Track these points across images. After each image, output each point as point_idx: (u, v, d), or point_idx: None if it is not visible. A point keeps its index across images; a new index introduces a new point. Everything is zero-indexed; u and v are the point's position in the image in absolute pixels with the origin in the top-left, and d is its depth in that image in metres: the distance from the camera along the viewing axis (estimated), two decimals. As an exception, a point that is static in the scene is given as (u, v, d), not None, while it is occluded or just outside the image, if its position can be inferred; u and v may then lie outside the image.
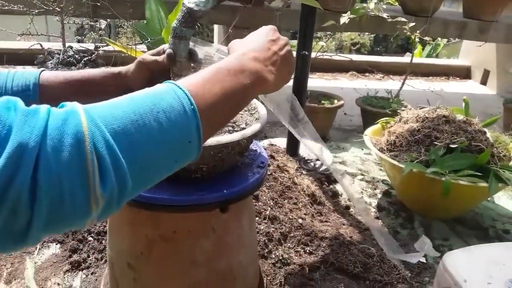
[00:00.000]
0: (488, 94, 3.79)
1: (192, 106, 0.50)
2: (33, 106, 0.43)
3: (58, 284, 1.29)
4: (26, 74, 0.79)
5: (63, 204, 0.40)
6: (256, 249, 1.27)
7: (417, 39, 2.62)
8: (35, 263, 1.37)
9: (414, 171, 1.52)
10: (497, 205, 1.92)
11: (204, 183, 0.91)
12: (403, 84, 2.76)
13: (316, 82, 3.74)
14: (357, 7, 2.55)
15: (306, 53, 1.83)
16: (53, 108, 0.44)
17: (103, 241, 1.43)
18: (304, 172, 1.92)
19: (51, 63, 2.10)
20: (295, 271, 1.36)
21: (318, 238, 1.48)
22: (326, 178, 1.96)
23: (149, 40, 2.14)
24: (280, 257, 1.38)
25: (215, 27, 3.69)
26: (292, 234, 1.48)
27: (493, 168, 1.52)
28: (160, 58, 0.87)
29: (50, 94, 0.80)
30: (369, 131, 1.89)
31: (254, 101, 1.00)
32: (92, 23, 2.74)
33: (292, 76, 0.72)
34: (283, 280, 1.32)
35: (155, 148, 0.48)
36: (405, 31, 2.51)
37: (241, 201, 0.94)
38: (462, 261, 1.02)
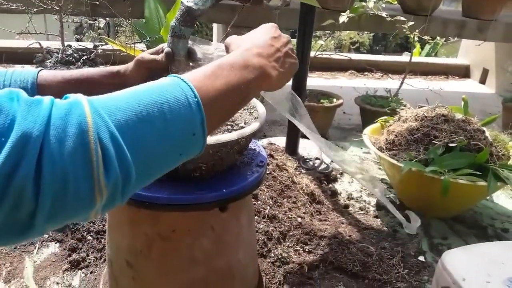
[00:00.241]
0: (487, 93, 3.79)
1: (196, 99, 0.50)
2: (37, 97, 0.42)
3: (57, 283, 1.29)
4: (24, 73, 0.79)
5: (67, 194, 0.40)
6: (255, 248, 1.27)
7: (416, 38, 2.62)
8: (34, 262, 1.37)
9: (413, 170, 1.52)
10: (496, 204, 1.92)
11: (203, 182, 0.91)
12: (402, 83, 2.76)
13: (315, 81, 3.75)
14: (356, 6, 2.55)
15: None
16: (57, 99, 0.44)
17: (102, 240, 1.43)
18: (303, 171, 1.92)
19: (50, 62, 2.10)
20: (294, 270, 1.36)
21: (317, 237, 1.49)
22: (325, 177, 1.96)
23: (148, 39, 2.14)
24: (279, 256, 1.38)
25: (214, 26, 3.69)
26: (291, 233, 1.48)
27: (492, 167, 1.52)
28: (158, 57, 0.87)
29: (48, 94, 0.79)
30: (368, 130, 1.89)
31: (253, 99, 1.00)
32: (91, 22, 2.73)
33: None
34: (282, 279, 1.32)
35: (159, 140, 0.47)
36: (404, 30, 2.51)
37: (240, 200, 0.94)
38: (461, 260, 1.03)
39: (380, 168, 2.16)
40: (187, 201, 0.87)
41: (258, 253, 1.37)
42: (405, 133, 1.68)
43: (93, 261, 1.37)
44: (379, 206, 1.83)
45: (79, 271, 1.34)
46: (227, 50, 0.72)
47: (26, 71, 0.80)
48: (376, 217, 1.75)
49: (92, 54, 2.10)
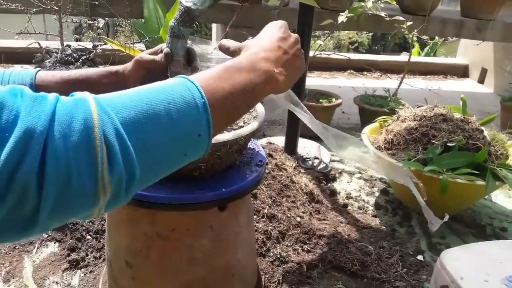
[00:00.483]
0: (485, 93, 3.80)
1: (203, 100, 0.50)
2: (41, 93, 0.42)
3: (57, 282, 1.29)
4: (22, 74, 0.79)
5: (70, 190, 0.40)
6: (254, 247, 1.28)
7: (414, 38, 2.63)
8: (34, 261, 1.37)
9: (411, 169, 1.53)
10: (494, 203, 1.93)
11: (203, 181, 0.91)
12: (401, 82, 2.76)
13: (314, 80, 3.75)
14: (355, 6, 2.56)
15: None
16: (62, 96, 0.44)
17: (101, 240, 1.44)
18: (302, 170, 1.92)
19: (49, 61, 2.10)
20: (293, 269, 1.36)
21: (316, 236, 1.49)
22: (324, 177, 1.96)
23: (147, 38, 2.14)
24: (278, 255, 1.39)
25: (213, 25, 3.69)
26: (290, 232, 1.48)
27: (490, 166, 1.52)
28: (157, 57, 0.87)
29: None
30: (367, 129, 1.89)
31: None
32: (90, 21, 2.74)
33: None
34: (281, 278, 1.32)
35: (164, 138, 0.47)
36: (402, 30, 2.51)
37: (239, 199, 0.94)
38: (459, 259, 1.03)
39: (379, 168, 2.17)
40: (186, 201, 0.88)
41: (257, 252, 1.38)
42: (403, 133, 1.69)
43: (93, 260, 1.37)
44: (378, 206, 1.83)
45: (79, 270, 1.34)
46: (233, 53, 0.71)
47: (24, 72, 0.80)
48: (374, 216, 1.75)
49: (91, 54, 2.11)
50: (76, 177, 0.40)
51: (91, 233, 1.46)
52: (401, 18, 2.49)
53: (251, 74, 0.59)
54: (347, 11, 2.46)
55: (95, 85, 0.87)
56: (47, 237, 1.46)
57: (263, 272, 1.33)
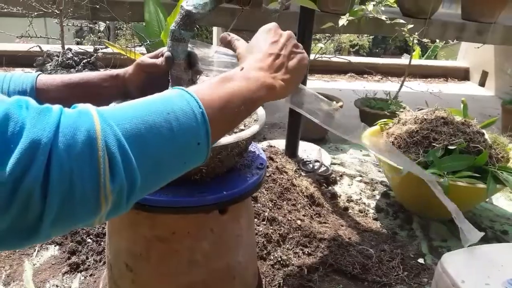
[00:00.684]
0: (486, 96, 3.80)
1: (201, 110, 0.52)
2: (46, 105, 0.43)
3: (57, 286, 1.29)
4: (23, 77, 0.79)
5: (73, 199, 0.41)
6: (255, 250, 1.28)
7: (415, 41, 2.63)
8: (34, 265, 1.37)
9: (412, 172, 1.52)
10: (495, 206, 1.93)
11: (203, 184, 0.91)
12: (401, 85, 2.77)
13: (314, 83, 3.75)
14: (355, 9, 2.56)
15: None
16: (66, 108, 0.45)
17: (102, 243, 1.44)
18: (303, 173, 1.92)
19: (50, 65, 2.10)
20: (294, 272, 1.36)
21: (316, 240, 1.49)
22: (324, 180, 1.96)
23: (148, 42, 2.15)
24: (279, 259, 1.39)
25: (214, 29, 3.70)
26: (291, 236, 1.48)
27: (491, 169, 1.52)
28: (158, 60, 0.87)
29: (47, 98, 0.80)
30: (367, 132, 1.90)
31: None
32: (91, 25, 2.75)
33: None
34: (281, 281, 1.32)
35: (164, 148, 0.49)
36: (403, 33, 2.51)
37: (240, 202, 0.94)
38: (460, 262, 1.03)
39: (379, 171, 2.17)
40: (187, 204, 0.88)
41: (258, 255, 1.37)
42: (404, 136, 1.69)
43: (93, 264, 1.37)
44: (379, 209, 1.83)
45: (79, 274, 1.34)
46: (239, 61, 0.72)
47: (25, 75, 0.80)
48: (375, 219, 1.75)
49: (92, 57, 2.11)
50: (79, 187, 0.41)
51: (91, 236, 1.46)
52: (402, 21, 2.50)
53: (246, 83, 0.61)
54: (347, 14, 2.46)
55: (96, 89, 0.87)
56: (47, 240, 1.46)
57: (263, 275, 1.33)
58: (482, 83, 4.04)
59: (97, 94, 0.88)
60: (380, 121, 1.96)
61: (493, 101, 3.55)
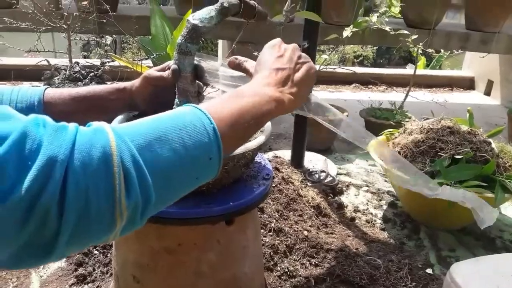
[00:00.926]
0: (492, 105, 3.79)
1: (212, 125, 0.53)
2: (62, 123, 0.44)
3: (65, 298, 1.29)
4: (30, 91, 0.80)
5: (89, 216, 0.42)
6: (262, 261, 1.27)
7: (420, 51, 2.64)
8: (41, 277, 1.38)
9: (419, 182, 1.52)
10: (504, 215, 1.91)
11: (210, 195, 0.91)
12: (406, 95, 2.77)
13: (319, 94, 3.76)
14: (359, 21, 2.58)
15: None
16: (81, 126, 0.46)
17: (108, 254, 1.44)
18: (309, 184, 1.92)
19: (58, 78, 2.13)
20: (301, 283, 1.35)
21: (323, 250, 1.48)
22: (331, 190, 1.96)
23: (154, 55, 2.17)
24: (286, 270, 1.38)
25: (219, 41, 3.73)
26: (297, 246, 1.48)
27: (499, 178, 1.51)
28: (165, 73, 0.88)
29: (55, 111, 0.81)
30: (373, 142, 1.89)
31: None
32: (98, 39, 2.78)
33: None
34: (289, 292, 1.31)
35: (177, 164, 0.49)
36: (408, 43, 2.52)
37: (246, 213, 0.94)
38: (469, 272, 1.02)
39: (386, 181, 2.16)
40: (194, 215, 0.88)
41: (265, 266, 1.37)
42: (410, 146, 1.68)
43: (100, 275, 1.37)
44: (386, 219, 1.82)
45: (85, 285, 1.34)
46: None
47: (32, 89, 0.81)
48: (383, 229, 1.74)
49: (99, 70, 2.14)
50: (95, 203, 0.42)
51: (98, 248, 1.46)
52: (406, 31, 2.51)
53: (255, 99, 0.62)
54: (351, 25, 2.48)
55: (103, 102, 0.89)
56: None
57: (270, 286, 1.32)
58: (487, 92, 4.03)
59: (104, 107, 0.89)
60: (386, 131, 1.96)
61: (499, 110, 3.53)
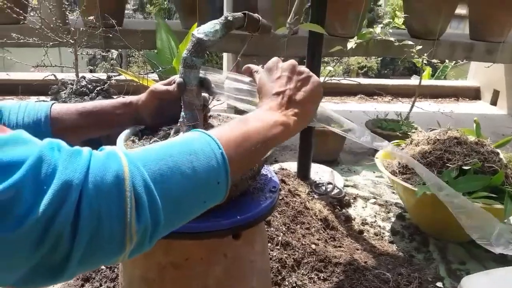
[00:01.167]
0: (498, 114, 3.76)
1: (220, 150, 0.55)
2: (76, 147, 0.46)
3: (71, 314, 1.28)
4: (37, 107, 0.81)
5: (100, 239, 0.42)
6: (269, 276, 1.26)
7: (424, 62, 2.63)
8: (48, 292, 1.37)
9: (427, 193, 1.50)
10: (514, 227, 1.88)
11: (216, 209, 0.90)
12: (412, 106, 2.76)
13: (325, 106, 3.75)
14: (363, 32, 2.59)
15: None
16: (94, 151, 0.47)
17: (115, 270, 1.43)
18: (315, 196, 1.90)
19: (65, 93, 2.14)
20: (309, 298, 1.33)
21: (332, 264, 1.46)
22: (338, 202, 1.94)
23: (160, 69, 2.19)
24: (294, 284, 1.36)
25: (224, 54, 3.75)
26: (305, 260, 1.46)
27: (508, 189, 1.49)
28: (171, 87, 0.89)
29: (62, 126, 0.82)
30: (380, 154, 1.88)
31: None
32: (104, 53, 2.81)
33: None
34: (297, 307, 1.29)
35: (186, 187, 0.51)
36: (412, 54, 2.52)
37: (254, 227, 0.93)
38: (480, 285, 1.00)
39: (393, 192, 2.14)
40: (200, 229, 0.87)
41: (272, 281, 1.35)
42: (417, 157, 1.67)
43: (106, 291, 1.36)
44: (394, 231, 1.80)
45: (92, 301, 1.33)
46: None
47: (39, 105, 0.82)
48: (391, 242, 1.72)
49: (106, 84, 2.15)
50: (107, 226, 0.43)
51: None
52: (410, 42, 2.51)
53: (261, 124, 0.63)
54: (356, 37, 2.48)
55: (109, 116, 0.89)
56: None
57: (278, 301, 1.31)
58: (493, 102, 4.01)
59: (111, 121, 0.89)
60: (393, 142, 1.95)
61: (506, 120, 3.51)
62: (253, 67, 0.81)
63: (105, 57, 2.92)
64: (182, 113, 0.89)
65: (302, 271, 1.43)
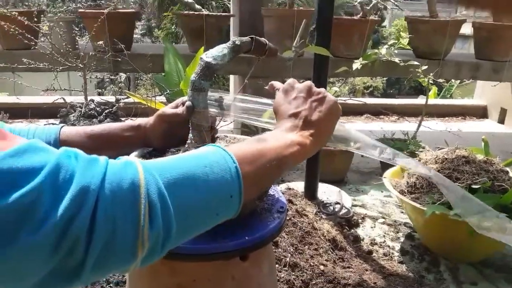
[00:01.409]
0: (507, 133, 3.74)
1: (235, 164, 0.56)
2: (93, 155, 0.47)
3: (78, 338, 1.27)
4: (46, 130, 0.82)
5: (114, 244, 0.43)
6: (278, 298, 1.24)
7: (430, 81, 2.64)
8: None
9: (436, 213, 1.49)
10: (526, 246, 1.85)
11: (224, 230, 0.90)
12: (419, 125, 2.76)
13: (344, 124, 3.76)
14: (369, 53, 2.61)
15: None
16: (111, 159, 0.48)
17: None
18: (323, 216, 1.89)
19: (73, 116, 2.18)
20: (319, 320, 1.31)
21: (341, 285, 1.44)
22: (346, 222, 1.93)
23: (168, 91, 2.22)
24: (303, 306, 1.34)
25: (231, 76, 3.80)
26: (314, 282, 1.44)
27: (518, 208, 1.48)
28: (179, 110, 0.90)
29: None
30: (388, 173, 1.88)
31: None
32: (112, 76, 2.86)
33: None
34: (306, 330, 1.27)
35: (200, 198, 0.52)
36: (418, 74, 2.54)
37: (261, 248, 0.93)
38: (493, 307, 0.98)
39: (402, 212, 2.12)
40: (208, 251, 0.87)
41: (281, 303, 1.34)
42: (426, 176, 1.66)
43: (114, 314, 1.35)
44: (404, 251, 1.78)
45: (100, 325, 1.32)
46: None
47: (48, 128, 0.83)
48: (401, 262, 1.70)
49: (114, 107, 2.18)
50: (121, 231, 0.44)
51: (111, 285, 1.45)
52: (415, 62, 2.53)
53: (277, 143, 0.64)
54: (361, 58, 2.51)
55: (118, 138, 0.90)
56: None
57: (287, 324, 1.29)
58: (501, 120, 3.99)
59: (119, 143, 0.91)
60: (400, 156, 1.94)
61: (515, 138, 3.49)
62: (276, 84, 0.82)
63: (113, 80, 2.97)
64: (190, 135, 0.90)
65: (311, 293, 1.41)
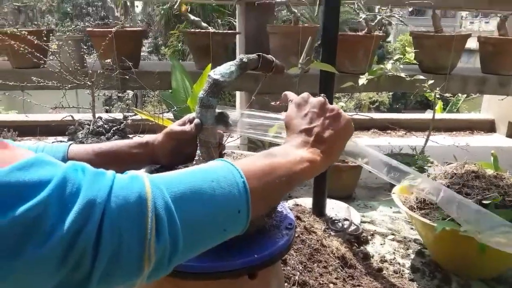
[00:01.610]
0: (515, 147, 3.71)
1: (243, 179, 0.55)
2: (100, 169, 0.47)
3: None
4: (54, 148, 0.83)
5: (120, 258, 0.43)
6: (287, 317, 1.22)
7: (437, 96, 2.64)
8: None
9: (447, 229, 1.47)
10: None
11: (231, 248, 0.89)
12: (427, 140, 2.74)
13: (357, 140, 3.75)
14: (374, 69, 2.62)
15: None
16: (118, 174, 0.49)
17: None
18: (332, 233, 1.87)
19: (81, 133, 2.19)
20: None
21: (351, 304, 1.42)
22: (355, 239, 1.90)
23: (175, 108, 2.23)
24: (312, 325, 1.32)
25: (237, 92, 3.82)
26: (323, 300, 1.42)
27: (531, 223, 1.45)
28: (187, 127, 0.90)
29: None
30: (397, 188, 1.86)
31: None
32: (120, 94, 2.88)
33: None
34: None
35: (207, 213, 0.51)
36: (424, 88, 2.53)
37: (270, 266, 0.92)
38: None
39: (412, 228, 2.09)
40: (216, 269, 0.86)
41: (290, 322, 1.31)
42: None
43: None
44: (414, 268, 1.75)
45: None
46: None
47: (56, 146, 0.84)
48: (412, 280, 1.67)
49: (122, 124, 2.19)
50: (127, 245, 0.43)
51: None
52: (421, 77, 2.53)
53: (286, 158, 0.63)
54: (367, 73, 2.51)
55: (126, 156, 0.90)
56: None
57: None
58: (510, 135, 3.96)
59: (127, 160, 0.91)
60: (409, 176, 1.92)
61: (524, 152, 3.45)
62: (290, 95, 0.80)
63: (121, 97, 2.99)
64: (198, 151, 0.90)
65: (321, 311, 1.39)
